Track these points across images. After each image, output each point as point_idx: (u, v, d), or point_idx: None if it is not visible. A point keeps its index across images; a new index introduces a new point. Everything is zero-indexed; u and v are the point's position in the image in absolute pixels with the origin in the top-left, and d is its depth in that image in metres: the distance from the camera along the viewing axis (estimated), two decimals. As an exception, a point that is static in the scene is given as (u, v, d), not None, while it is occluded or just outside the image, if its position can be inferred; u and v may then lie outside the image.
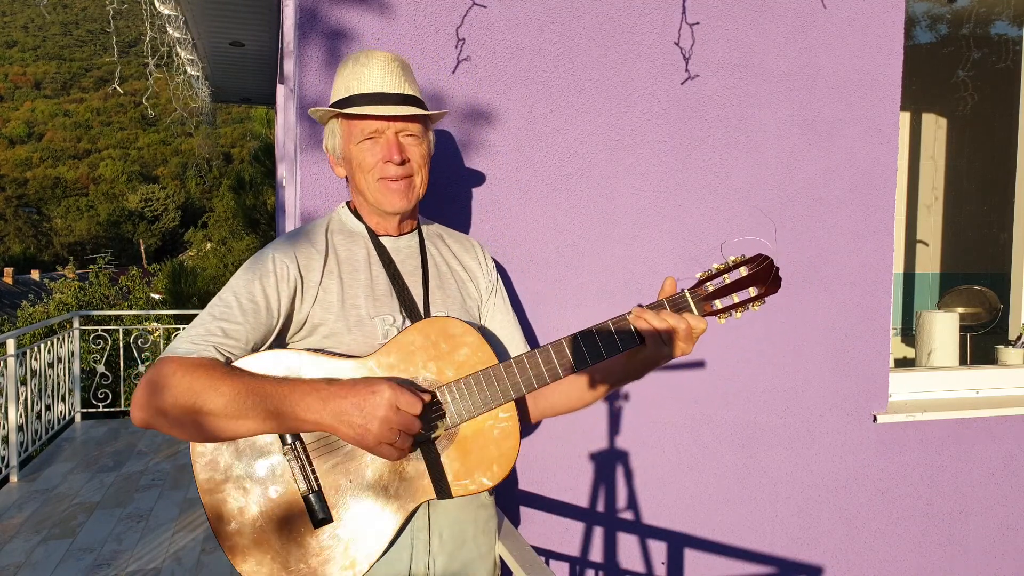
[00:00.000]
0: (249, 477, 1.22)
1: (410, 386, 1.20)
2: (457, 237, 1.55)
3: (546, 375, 1.24)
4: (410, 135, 1.36)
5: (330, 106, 1.38)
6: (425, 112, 1.36)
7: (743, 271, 1.23)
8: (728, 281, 1.24)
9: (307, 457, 1.22)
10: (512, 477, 2.03)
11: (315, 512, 1.21)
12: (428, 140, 1.41)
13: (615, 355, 1.26)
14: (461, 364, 1.25)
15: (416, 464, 1.23)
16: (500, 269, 1.83)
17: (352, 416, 1.13)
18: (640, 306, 1.23)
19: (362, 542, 1.22)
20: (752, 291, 1.24)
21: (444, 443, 1.25)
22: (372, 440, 1.14)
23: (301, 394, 1.15)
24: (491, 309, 1.51)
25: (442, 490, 1.24)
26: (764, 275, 1.23)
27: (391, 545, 1.26)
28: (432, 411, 1.24)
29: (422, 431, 1.18)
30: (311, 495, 1.21)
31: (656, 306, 1.24)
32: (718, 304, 1.24)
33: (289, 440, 1.22)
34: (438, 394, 1.24)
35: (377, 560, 1.23)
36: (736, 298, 1.24)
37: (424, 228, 1.51)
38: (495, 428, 1.26)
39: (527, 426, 2.02)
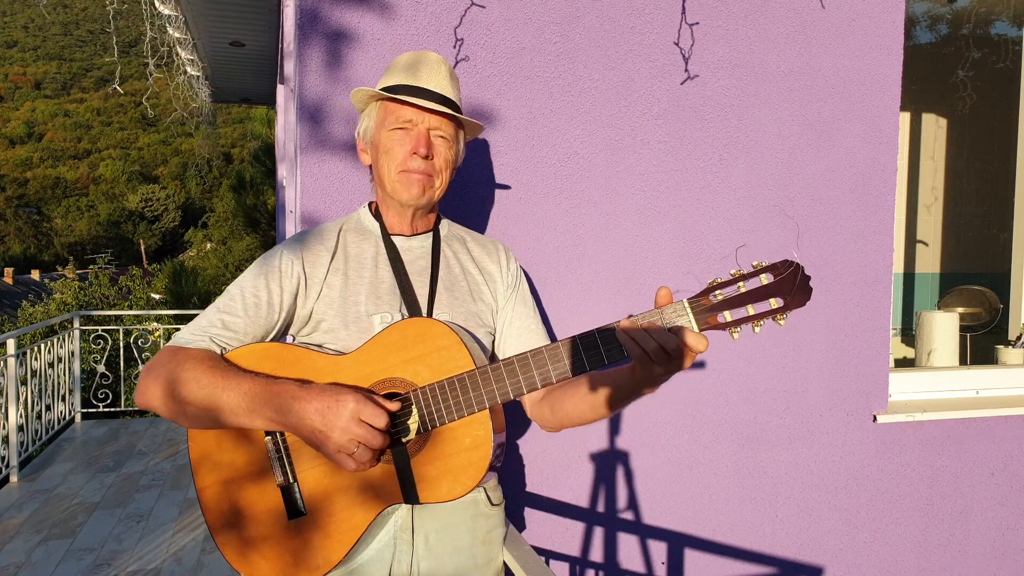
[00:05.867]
0: (234, 463, 1.26)
1: (378, 397, 1.18)
2: (481, 241, 1.53)
3: (523, 385, 1.17)
4: (441, 136, 1.37)
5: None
6: (461, 116, 1.38)
7: (764, 279, 1.06)
8: (744, 290, 1.07)
9: (286, 450, 1.25)
10: (515, 479, 2.03)
11: (290, 504, 1.24)
12: (457, 148, 1.41)
13: (601, 367, 1.15)
14: (437, 367, 1.21)
15: (387, 467, 1.23)
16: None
17: (314, 421, 1.14)
18: (631, 316, 1.11)
19: (332, 538, 1.23)
20: (774, 302, 1.06)
21: (415, 448, 1.22)
22: (332, 448, 1.15)
23: (272, 393, 1.17)
24: (509, 314, 1.47)
25: (409, 495, 1.22)
26: (788, 284, 1.05)
27: (367, 544, 1.28)
28: (403, 414, 1.21)
29: (384, 446, 1.17)
30: (287, 487, 1.24)
31: (646, 318, 1.08)
32: (727, 316, 1.07)
33: (271, 432, 1.25)
34: (411, 397, 1.21)
35: (344, 558, 1.24)
36: (752, 310, 1.07)
37: (444, 230, 1.49)
38: (466, 436, 1.21)
39: (538, 432, 2.03)
